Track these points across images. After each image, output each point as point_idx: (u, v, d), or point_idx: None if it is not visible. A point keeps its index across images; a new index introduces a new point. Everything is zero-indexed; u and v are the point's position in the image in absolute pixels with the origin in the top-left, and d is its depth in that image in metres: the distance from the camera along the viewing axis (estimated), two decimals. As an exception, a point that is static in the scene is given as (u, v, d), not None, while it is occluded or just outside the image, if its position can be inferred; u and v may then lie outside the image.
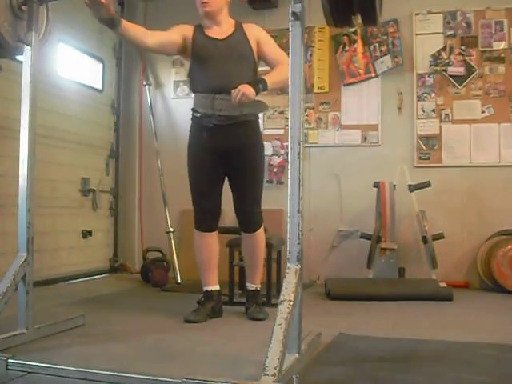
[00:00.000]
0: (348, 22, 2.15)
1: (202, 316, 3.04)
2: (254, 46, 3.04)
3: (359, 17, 2.14)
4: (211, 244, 3.16)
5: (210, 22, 3.05)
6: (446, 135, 4.65)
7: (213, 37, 3.03)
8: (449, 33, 4.66)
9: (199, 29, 3.06)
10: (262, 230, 3.19)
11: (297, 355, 2.06)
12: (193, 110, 3.09)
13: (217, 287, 3.19)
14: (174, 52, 3.15)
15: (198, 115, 3.05)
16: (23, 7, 2.47)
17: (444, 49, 4.67)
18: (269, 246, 3.53)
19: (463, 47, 4.63)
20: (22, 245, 2.47)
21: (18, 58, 2.63)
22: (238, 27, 3.07)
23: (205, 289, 3.17)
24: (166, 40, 3.01)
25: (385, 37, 4.77)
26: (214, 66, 2.98)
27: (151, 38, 2.93)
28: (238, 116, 2.97)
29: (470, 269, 4.50)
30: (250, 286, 3.25)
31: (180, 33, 3.04)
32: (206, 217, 3.13)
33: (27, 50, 2.50)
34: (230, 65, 2.96)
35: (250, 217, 3.14)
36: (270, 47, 3.07)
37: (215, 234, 3.17)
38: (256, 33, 3.07)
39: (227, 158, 3.05)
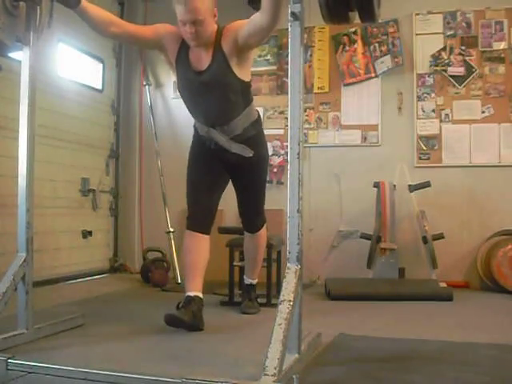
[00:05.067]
0: (344, 18, 2.12)
1: (183, 314, 2.68)
2: (234, 55, 2.72)
3: (357, 14, 2.13)
4: (202, 246, 2.89)
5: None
6: (446, 135, 4.65)
7: (195, 69, 2.77)
8: (449, 33, 4.66)
9: (185, 47, 2.79)
10: (263, 230, 3.21)
11: (297, 355, 2.06)
12: (194, 126, 3.02)
13: (200, 294, 2.81)
14: (146, 48, 3.06)
15: (198, 131, 2.98)
16: (17, 3, 2.46)
17: (444, 49, 4.67)
18: (269, 246, 3.54)
19: (463, 47, 4.63)
20: (22, 245, 2.47)
21: (19, 57, 2.62)
22: (218, 40, 2.74)
23: (186, 294, 2.79)
24: (140, 37, 2.83)
25: (385, 37, 4.77)
26: (201, 103, 2.83)
27: (118, 28, 2.75)
28: (237, 136, 2.88)
29: (470, 269, 4.51)
30: (247, 280, 3.40)
31: (159, 36, 2.82)
32: (200, 218, 2.92)
33: (26, 49, 2.50)
34: (216, 101, 2.78)
35: (253, 220, 3.17)
36: (246, 22, 2.66)
37: (207, 238, 2.92)
38: (233, 35, 2.70)
39: (230, 166, 2.99)
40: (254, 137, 2.95)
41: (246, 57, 2.79)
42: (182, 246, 2.98)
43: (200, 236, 2.90)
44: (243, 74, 2.81)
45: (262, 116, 4.89)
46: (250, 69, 2.92)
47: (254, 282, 3.40)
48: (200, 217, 2.93)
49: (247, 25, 2.64)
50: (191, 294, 2.79)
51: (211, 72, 2.75)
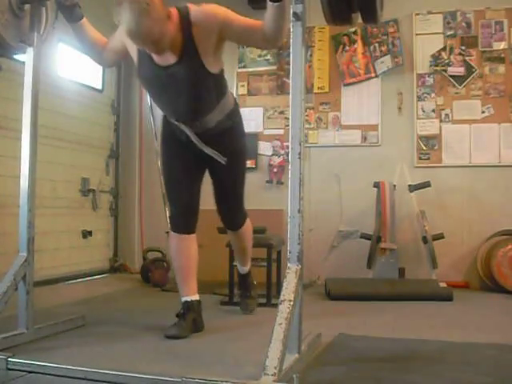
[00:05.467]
0: (347, 20, 2.12)
1: (183, 330, 2.62)
2: (209, 46, 2.43)
3: (359, 15, 2.13)
4: (190, 248, 2.76)
5: None
6: (446, 135, 4.65)
7: (159, 64, 2.49)
8: (449, 33, 4.67)
9: None
10: (246, 224, 3.02)
11: (297, 355, 2.06)
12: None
13: (197, 297, 2.76)
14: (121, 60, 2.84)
15: (168, 119, 2.72)
16: (22, 5, 2.47)
17: (444, 49, 4.67)
18: (269, 245, 3.54)
19: (463, 47, 4.63)
20: (23, 245, 2.48)
21: (20, 58, 2.63)
22: (188, 30, 2.41)
23: (184, 299, 2.73)
24: (114, 52, 2.65)
25: (385, 37, 4.77)
26: (169, 101, 2.58)
27: (106, 50, 2.63)
28: (210, 129, 2.64)
29: (470, 269, 4.51)
30: (242, 270, 3.30)
31: (122, 39, 2.55)
32: (183, 216, 2.77)
33: (29, 50, 2.51)
34: (186, 99, 2.52)
35: (233, 218, 2.96)
36: (240, 24, 2.44)
37: (193, 236, 2.79)
38: (213, 25, 2.40)
39: (204, 157, 2.71)
40: (230, 129, 2.71)
41: (222, 46, 2.50)
42: (170, 249, 2.84)
43: (186, 237, 2.77)
44: (215, 65, 2.50)
45: (262, 116, 4.98)
46: (222, 56, 2.57)
47: (247, 268, 3.29)
48: (183, 217, 2.78)
49: (245, 27, 2.41)
50: (188, 298, 2.73)
51: (180, 68, 2.45)
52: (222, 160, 2.67)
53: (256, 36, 2.38)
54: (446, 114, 4.66)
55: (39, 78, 2.55)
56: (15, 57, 3.27)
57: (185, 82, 2.47)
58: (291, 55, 2.08)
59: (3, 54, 2.64)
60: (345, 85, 4.86)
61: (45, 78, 3.70)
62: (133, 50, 2.56)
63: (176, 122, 2.64)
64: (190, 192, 2.77)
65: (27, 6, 2.50)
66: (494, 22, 4.58)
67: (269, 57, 5.00)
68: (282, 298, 1.95)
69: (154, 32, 2.27)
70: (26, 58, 2.53)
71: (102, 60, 2.72)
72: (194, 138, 2.63)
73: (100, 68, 5.04)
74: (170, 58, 2.46)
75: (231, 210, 2.92)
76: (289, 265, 2.05)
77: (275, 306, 2.04)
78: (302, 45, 2.06)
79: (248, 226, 3.04)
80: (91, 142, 4.89)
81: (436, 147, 4.67)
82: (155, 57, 2.47)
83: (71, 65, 4.62)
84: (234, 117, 2.75)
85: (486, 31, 4.59)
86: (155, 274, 4.51)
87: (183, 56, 2.44)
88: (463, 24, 4.64)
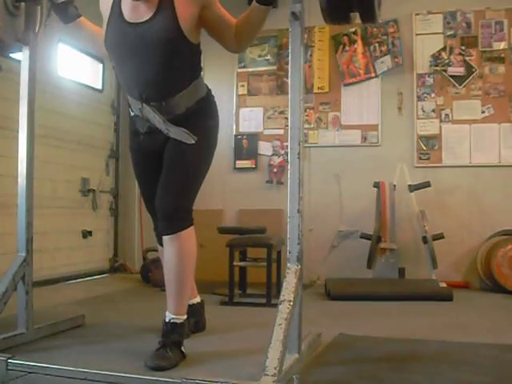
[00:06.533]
0: (346, 19, 2.13)
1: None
2: (186, 13, 2.22)
3: (358, 15, 2.13)
4: None
5: None
6: (446, 135, 4.65)
7: (128, 20, 2.26)
8: (449, 33, 4.67)
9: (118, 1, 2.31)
10: (189, 233, 2.29)
11: (297, 355, 2.06)
12: (128, 104, 2.46)
13: (198, 299, 2.75)
14: None
15: (132, 114, 2.44)
16: (18, 4, 2.46)
17: (444, 49, 4.67)
18: (269, 246, 3.54)
19: (463, 47, 4.63)
20: (22, 245, 2.48)
21: (19, 57, 2.63)
22: None
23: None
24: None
25: (385, 37, 4.77)
26: (135, 66, 2.27)
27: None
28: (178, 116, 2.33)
29: (470, 269, 4.51)
30: (169, 316, 2.31)
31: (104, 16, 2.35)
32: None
33: (25, 49, 2.51)
34: (155, 65, 2.24)
35: (168, 208, 2.28)
36: (221, 12, 2.28)
37: None
38: None
39: (166, 144, 2.37)
40: (199, 110, 2.37)
41: (199, 26, 2.31)
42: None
43: None
44: (193, 34, 2.27)
45: (262, 116, 4.98)
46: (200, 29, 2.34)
47: (181, 318, 2.32)
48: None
49: (225, 17, 2.27)
50: (190, 302, 2.64)
51: (153, 25, 2.22)
52: (192, 139, 2.29)
53: (229, 32, 2.27)
54: (446, 114, 4.66)
55: (35, 77, 2.54)
56: (15, 57, 3.27)
57: (156, 43, 2.22)
58: (290, 55, 2.08)
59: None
60: (345, 85, 4.86)
61: (45, 78, 3.71)
62: (106, 11, 2.34)
63: (139, 105, 2.33)
64: None
65: (22, 5, 2.49)
66: (494, 22, 4.59)
67: (269, 57, 5.00)
68: (281, 298, 1.95)
69: None
70: (22, 56, 2.53)
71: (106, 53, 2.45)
72: (157, 120, 2.31)
73: (100, 68, 5.05)
74: (143, 13, 2.24)
75: (167, 200, 2.28)
76: (289, 265, 2.05)
77: (275, 306, 2.04)
78: (301, 44, 2.06)
79: (191, 238, 2.30)
80: (91, 142, 4.89)
81: (436, 147, 4.67)
82: (127, 12, 2.27)
83: (71, 65, 4.62)
84: (204, 103, 2.41)
85: (486, 31, 4.59)
86: (155, 273, 4.50)
87: (158, 12, 2.23)
88: (463, 24, 4.64)
